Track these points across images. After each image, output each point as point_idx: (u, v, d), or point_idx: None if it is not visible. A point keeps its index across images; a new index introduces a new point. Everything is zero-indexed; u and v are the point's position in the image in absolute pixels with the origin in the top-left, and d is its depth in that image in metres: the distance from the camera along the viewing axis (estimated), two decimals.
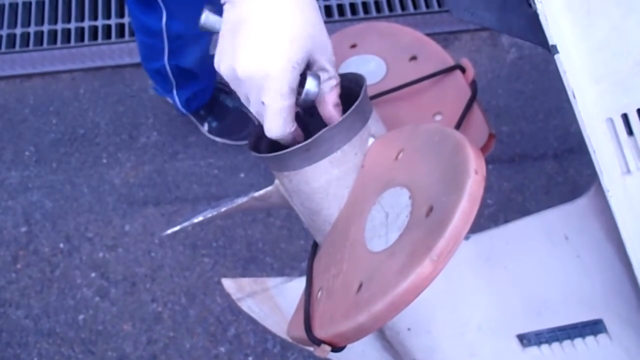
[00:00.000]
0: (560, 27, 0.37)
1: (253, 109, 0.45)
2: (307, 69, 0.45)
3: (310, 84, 0.44)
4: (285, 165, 0.48)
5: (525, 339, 0.57)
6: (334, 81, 0.46)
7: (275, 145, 0.48)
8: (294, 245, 1.41)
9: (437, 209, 0.37)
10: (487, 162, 1.46)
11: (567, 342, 0.57)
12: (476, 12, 0.42)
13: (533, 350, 0.57)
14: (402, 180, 0.42)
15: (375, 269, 0.40)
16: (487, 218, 1.44)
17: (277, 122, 0.44)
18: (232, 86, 0.45)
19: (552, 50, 0.37)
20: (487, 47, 1.66)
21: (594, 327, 0.55)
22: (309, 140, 0.45)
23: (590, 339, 0.56)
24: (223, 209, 0.52)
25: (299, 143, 0.45)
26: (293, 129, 0.45)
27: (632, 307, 0.52)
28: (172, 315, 1.33)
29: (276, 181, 0.51)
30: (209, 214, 0.52)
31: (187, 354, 1.30)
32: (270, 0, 0.42)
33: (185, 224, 0.53)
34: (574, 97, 0.38)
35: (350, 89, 0.50)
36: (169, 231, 0.53)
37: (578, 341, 0.56)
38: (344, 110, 0.46)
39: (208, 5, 0.49)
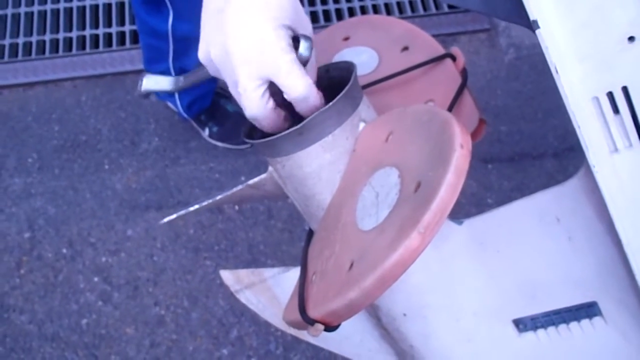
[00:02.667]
0: (541, 4, 0.38)
1: (243, 87, 0.44)
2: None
3: (304, 47, 0.44)
4: (277, 151, 0.48)
5: (521, 324, 0.58)
6: (314, 59, 0.47)
7: (267, 134, 0.49)
8: (296, 247, 1.41)
9: (424, 184, 0.38)
10: (487, 161, 1.46)
11: (562, 326, 0.57)
12: None
13: (529, 335, 0.58)
14: (391, 161, 0.43)
15: (366, 246, 0.40)
16: None
17: (296, 75, 0.43)
18: (222, 72, 0.45)
19: (533, 25, 0.37)
20: (485, 48, 1.67)
21: (588, 310, 0.55)
22: (301, 125, 0.45)
23: (585, 322, 0.56)
24: (219, 197, 0.53)
25: (267, 133, 0.46)
26: (314, 79, 0.45)
27: (625, 289, 0.52)
28: (174, 318, 1.34)
29: (270, 168, 0.52)
30: (205, 202, 0.53)
31: (190, 356, 1.30)
32: None
33: (182, 212, 0.54)
34: (557, 72, 0.39)
35: (342, 78, 0.50)
36: (166, 219, 0.54)
37: (574, 325, 0.56)
38: (334, 99, 0.47)
39: (145, 73, 0.51)
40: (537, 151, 1.53)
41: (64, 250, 1.41)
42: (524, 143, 1.54)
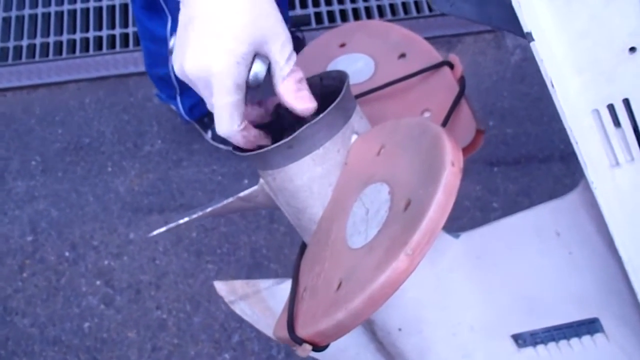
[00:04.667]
0: (536, 15, 0.36)
1: (208, 106, 0.45)
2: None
3: (257, 67, 0.43)
4: (268, 164, 0.47)
5: (521, 339, 0.56)
6: (287, 70, 0.44)
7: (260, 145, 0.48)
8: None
9: (414, 203, 0.36)
10: (492, 164, 1.43)
11: (563, 342, 0.55)
12: (455, 3, 0.41)
13: (529, 350, 0.56)
14: (382, 176, 0.41)
15: (355, 265, 0.39)
16: None
17: (223, 118, 0.43)
18: (189, 84, 0.45)
19: (527, 37, 0.36)
20: (491, 49, 1.65)
21: (590, 327, 0.54)
22: (290, 137, 0.44)
23: (586, 338, 0.54)
24: (209, 210, 0.52)
25: (258, 145, 0.45)
26: (241, 127, 0.44)
27: (627, 306, 0.51)
28: (176, 322, 1.33)
29: (261, 180, 0.51)
30: (195, 214, 0.52)
31: None
32: None
33: (172, 225, 0.53)
34: (553, 86, 0.38)
35: (335, 87, 0.49)
36: (155, 232, 0.53)
37: (574, 341, 0.55)
38: (327, 108, 0.46)
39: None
40: (544, 154, 1.50)
41: (67, 254, 1.40)
42: (530, 146, 1.52)
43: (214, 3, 0.42)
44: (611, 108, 0.42)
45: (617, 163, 0.44)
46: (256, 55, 0.43)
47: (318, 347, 0.41)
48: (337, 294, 0.39)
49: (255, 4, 0.42)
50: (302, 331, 0.42)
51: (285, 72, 0.44)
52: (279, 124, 0.51)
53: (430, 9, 1.67)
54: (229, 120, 0.44)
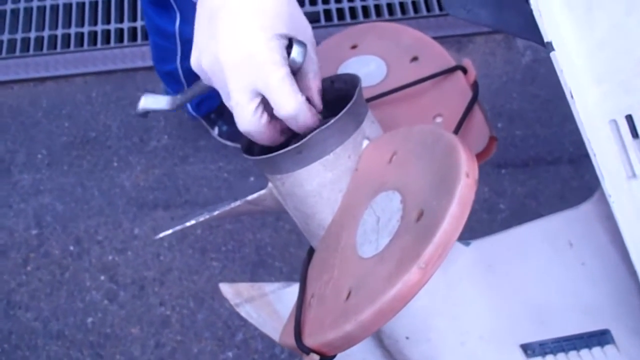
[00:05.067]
0: (557, 24, 0.36)
1: (235, 100, 0.42)
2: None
3: (296, 52, 0.42)
4: (277, 168, 0.46)
5: (529, 349, 0.55)
6: (316, 66, 0.44)
7: (268, 148, 0.47)
8: (304, 249, 1.39)
9: (427, 214, 0.36)
10: (500, 166, 1.42)
11: (572, 353, 0.54)
12: (472, 10, 0.40)
13: None
14: (394, 184, 0.41)
15: (365, 275, 0.38)
16: (500, 224, 1.41)
17: (286, 92, 0.41)
18: (215, 82, 0.43)
19: (547, 47, 0.35)
20: (502, 49, 1.63)
21: (600, 338, 0.53)
22: (301, 142, 0.43)
23: (597, 350, 0.54)
24: (216, 213, 0.51)
25: (267, 149, 0.44)
26: (304, 97, 0.42)
27: (639, 317, 0.50)
28: (180, 319, 1.33)
29: (269, 184, 0.50)
30: (202, 217, 0.51)
31: (194, 358, 1.29)
32: None
33: (178, 227, 0.52)
34: (572, 97, 0.37)
35: (346, 91, 0.48)
36: (161, 234, 0.52)
37: (584, 352, 0.54)
38: (338, 112, 0.45)
39: (147, 93, 0.50)
40: (553, 156, 1.49)
41: (71, 248, 1.40)
42: (539, 148, 1.50)
43: None
44: (629, 119, 0.41)
45: (634, 175, 0.43)
46: (291, 39, 0.42)
47: (325, 357, 0.41)
48: (346, 304, 0.38)
49: None
50: (309, 340, 0.41)
51: (316, 68, 0.44)
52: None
53: (440, 8, 1.66)
54: (293, 91, 0.41)
